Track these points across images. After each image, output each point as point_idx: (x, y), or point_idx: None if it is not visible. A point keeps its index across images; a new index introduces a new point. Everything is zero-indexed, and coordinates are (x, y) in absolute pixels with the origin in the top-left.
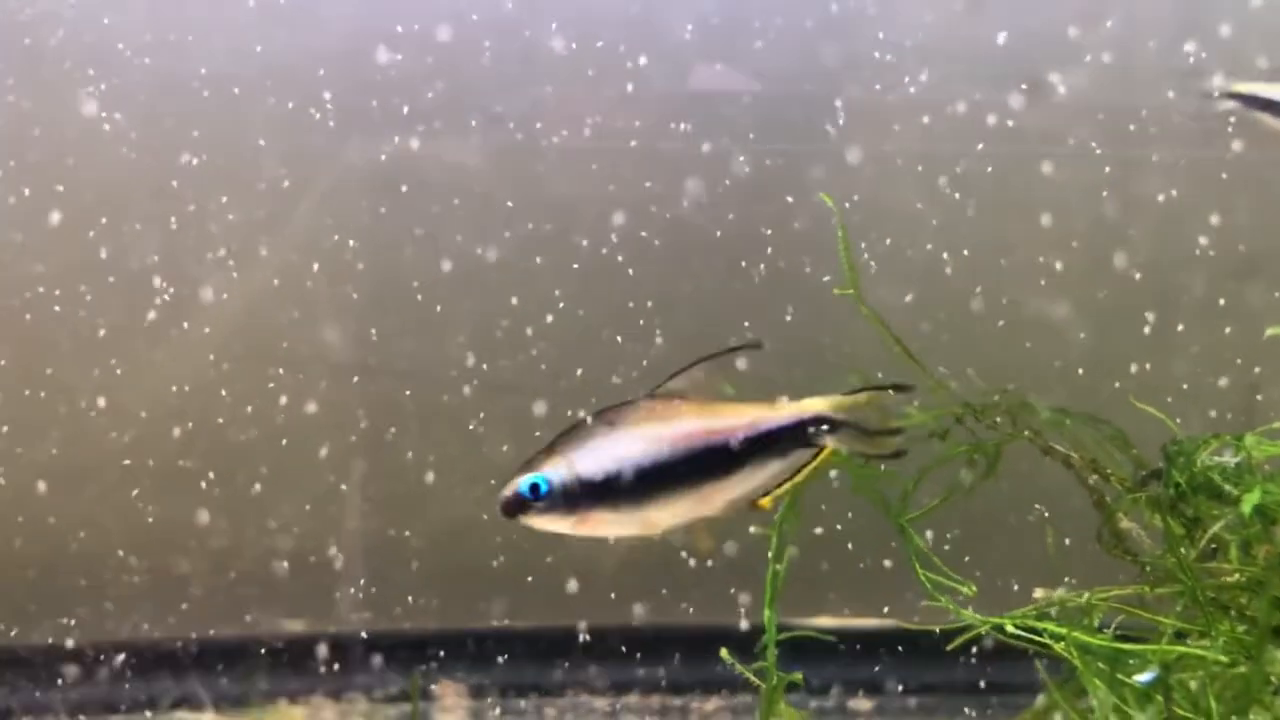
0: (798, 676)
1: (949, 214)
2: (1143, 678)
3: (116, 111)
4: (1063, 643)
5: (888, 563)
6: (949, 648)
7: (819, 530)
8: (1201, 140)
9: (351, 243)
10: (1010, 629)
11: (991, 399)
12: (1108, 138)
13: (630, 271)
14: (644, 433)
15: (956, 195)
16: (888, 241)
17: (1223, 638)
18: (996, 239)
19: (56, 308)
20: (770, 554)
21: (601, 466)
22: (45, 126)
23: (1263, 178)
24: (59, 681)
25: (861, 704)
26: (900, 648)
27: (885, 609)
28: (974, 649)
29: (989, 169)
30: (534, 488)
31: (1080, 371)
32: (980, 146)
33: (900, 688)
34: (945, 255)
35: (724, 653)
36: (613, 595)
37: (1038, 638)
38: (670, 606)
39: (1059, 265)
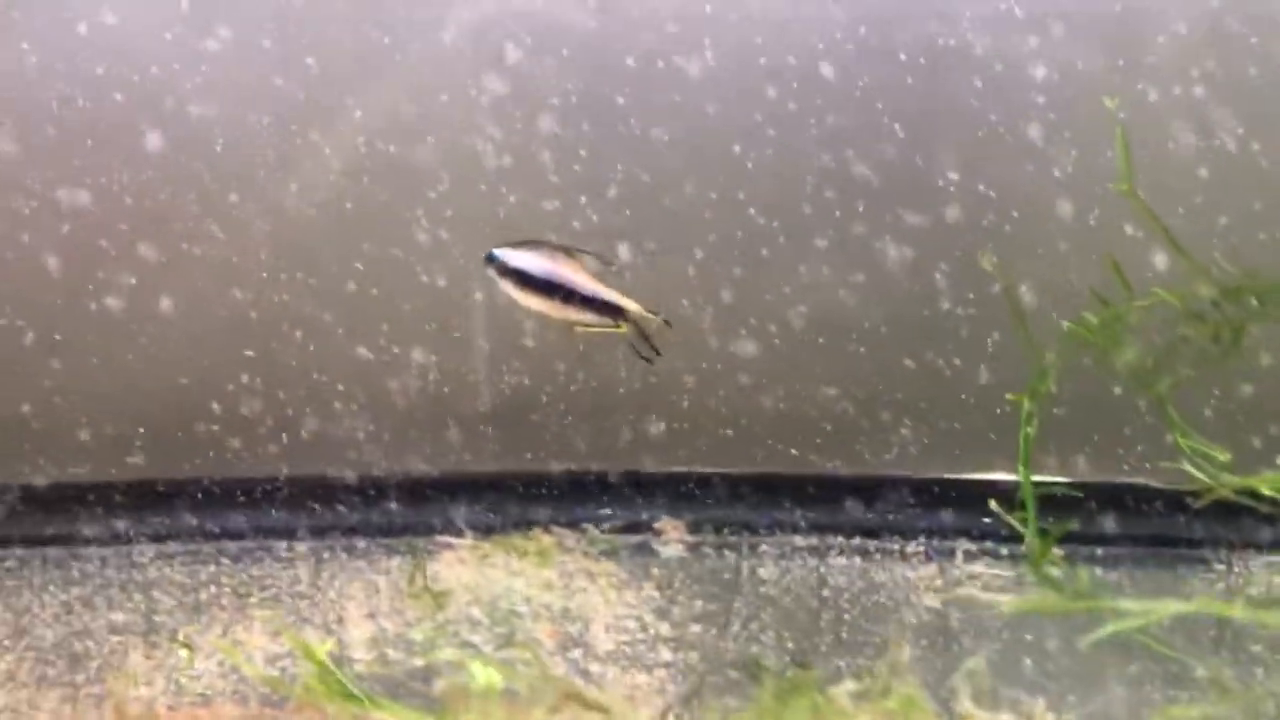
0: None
1: None
2: None
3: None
4: None
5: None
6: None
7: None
8: None
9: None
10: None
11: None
12: None
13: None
14: (549, 259)
15: None
16: None
17: None
18: None
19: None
20: (1022, 417)
21: (520, 264)
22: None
23: None
24: (346, 510)
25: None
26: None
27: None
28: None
29: None
30: (491, 256)
31: None
32: None
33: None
34: None
35: (993, 504)
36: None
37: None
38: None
39: None
